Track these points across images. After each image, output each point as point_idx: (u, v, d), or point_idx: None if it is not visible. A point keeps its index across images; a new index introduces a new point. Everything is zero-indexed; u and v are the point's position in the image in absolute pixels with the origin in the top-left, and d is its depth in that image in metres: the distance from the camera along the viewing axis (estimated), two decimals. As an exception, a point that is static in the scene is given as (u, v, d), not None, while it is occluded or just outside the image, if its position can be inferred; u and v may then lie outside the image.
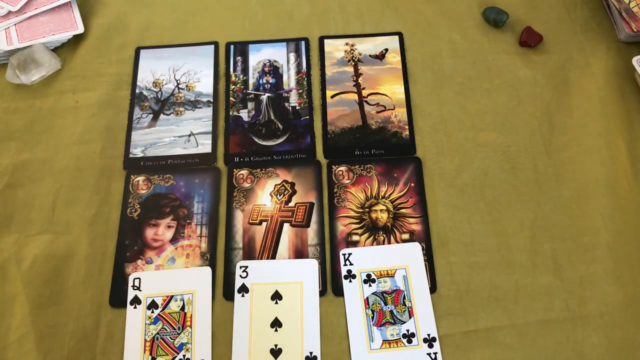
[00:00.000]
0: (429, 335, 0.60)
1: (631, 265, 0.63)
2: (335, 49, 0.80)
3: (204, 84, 0.77)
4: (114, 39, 0.81)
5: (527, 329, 0.60)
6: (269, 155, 0.71)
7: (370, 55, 0.79)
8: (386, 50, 0.79)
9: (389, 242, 0.65)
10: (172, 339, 0.60)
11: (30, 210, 0.68)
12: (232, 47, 0.80)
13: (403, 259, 0.64)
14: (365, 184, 0.69)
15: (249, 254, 0.65)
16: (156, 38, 0.82)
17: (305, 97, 0.76)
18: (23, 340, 0.60)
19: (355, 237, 0.66)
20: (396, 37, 0.80)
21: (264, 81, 0.78)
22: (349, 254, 0.64)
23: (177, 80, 0.78)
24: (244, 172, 0.70)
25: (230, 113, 0.75)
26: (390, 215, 0.67)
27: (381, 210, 0.67)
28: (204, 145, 0.72)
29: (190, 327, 0.61)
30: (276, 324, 0.61)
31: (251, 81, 0.78)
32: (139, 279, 0.63)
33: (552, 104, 0.74)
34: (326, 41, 0.80)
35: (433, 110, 0.74)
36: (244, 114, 0.75)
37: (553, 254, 0.64)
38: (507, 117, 0.73)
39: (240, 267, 0.64)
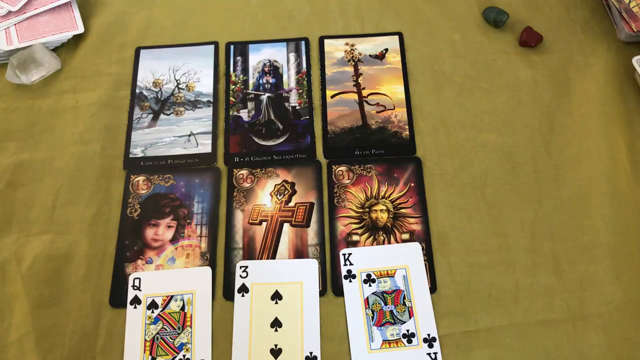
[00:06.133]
0: (429, 335, 0.60)
1: (631, 265, 0.63)
2: (335, 49, 0.80)
3: (204, 84, 0.77)
4: (114, 39, 0.81)
5: (527, 329, 0.60)
6: (269, 155, 0.71)
7: (370, 55, 0.79)
8: (386, 50, 0.79)
9: (389, 242, 0.65)
10: (172, 339, 0.60)
11: (30, 210, 0.68)
12: (232, 47, 0.81)
13: (403, 259, 0.64)
14: (365, 184, 0.69)
15: (249, 254, 0.65)
16: (156, 38, 0.82)
17: (305, 97, 0.76)
18: (23, 340, 0.60)
19: (355, 237, 0.66)
20: (396, 37, 0.80)
21: (264, 81, 0.78)
22: (349, 254, 0.64)
23: (177, 80, 0.78)
24: (244, 172, 0.70)
25: (230, 113, 0.75)
26: (390, 215, 0.67)
27: (381, 210, 0.67)
28: (204, 145, 0.72)
29: (190, 327, 0.61)
30: (276, 324, 0.61)
31: (251, 81, 0.78)
32: (139, 279, 0.63)
33: (552, 104, 0.74)
34: (326, 41, 0.80)
35: (433, 110, 0.74)
36: (244, 114, 0.75)
37: (553, 254, 0.64)
38: (507, 117, 0.73)
39: (240, 267, 0.64)
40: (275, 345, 0.59)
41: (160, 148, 0.72)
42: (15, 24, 0.79)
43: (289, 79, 0.78)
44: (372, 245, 0.65)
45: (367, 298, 0.62)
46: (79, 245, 0.66)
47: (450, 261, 0.64)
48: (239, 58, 0.80)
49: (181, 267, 0.64)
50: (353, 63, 0.78)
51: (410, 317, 0.61)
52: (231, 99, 0.76)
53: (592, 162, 0.69)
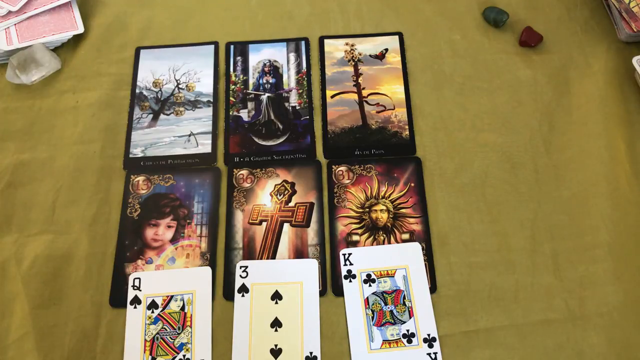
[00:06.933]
0: (429, 335, 0.60)
1: (631, 265, 0.63)
2: (335, 49, 0.80)
3: (204, 84, 0.77)
4: (114, 39, 0.81)
5: (527, 329, 0.60)
6: (269, 155, 0.71)
7: (370, 55, 0.79)
8: (386, 50, 0.79)
9: (389, 242, 0.65)
10: (172, 339, 0.60)
11: (30, 210, 0.68)
12: (232, 47, 0.80)
13: (403, 259, 0.64)
14: (365, 184, 0.69)
15: (249, 254, 0.65)
16: (156, 38, 0.82)
17: (305, 97, 0.76)
18: (23, 340, 0.60)
19: (355, 237, 0.66)
20: (396, 37, 0.80)
21: (264, 81, 0.78)
22: (349, 254, 0.64)
23: (177, 80, 0.78)
24: (244, 172, 0.70)
25: (230, 113, 0.75)
26: (390, 215, 0.67)
27: (381, 210, 0.67)
28: (204, 145, 0.72)
29: (190, 327, 0.61)
30: (276, 324, 0.61)
31: (251, 81, 0.78)
32: (139, 279, 0.63)
33: (552, 104, 0.74)
34: (326, 41, 0.80)
35: (433, 110, 0.74)
36: (244, 114, 0.75)
37: (553, 254, 0.64)
38: (507, 117, 0.73)
39: (240, 267, 0.64)
40: (275, 345, 0.59)
41: (160, 148, 0.72)
42: (15, 24, 0.79)
43: (289, 79, 0.78)
44: (372, 245, 0.65)
45: (367, 298, 0.62)
46: (79, 245, 0.66)
47: (450, 261, 0.64)
48: (239, 58, 0.80)
49: (181, 267, 0.64)
50: (353, 63, 0.78)
51: (410, 317, 0.61)
52: (231, 99, 0.76)
53: (592, 162, 0.69)
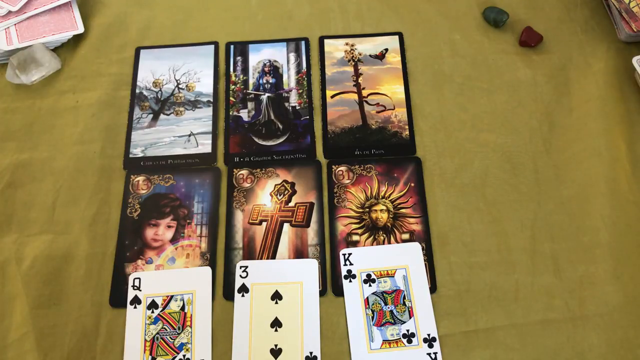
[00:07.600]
0: (429, 335, 0.60)
1: (631, 265, 0.63)
2: (335, 49, 0.80)
3: (204, 84, 0.77)
4: (114, 39, 0.81)
5: (527, 329, 0.60)
6: (269, 155, 0.71)
7: (370, 55, 0.79)
8: (386, 50, 0.79)
9: (389, 242, 0.65)
10: (172, 339, 0.60)
11: (30, 210, 0.68)
12: (232, 47, 0.80)
13: (403, 259, 0.64)
14: (365, 184, 0.69)
15: (249, 254, 0.65)
16: (156, 38, 0.82)
17: (305, 97, 0.76)
18: (23, 340, 0.60)
19: (355, 237, 0.66)
20: (396, 37, 0.80)
21: (264, 81, 0.78)
22: (349, 254, 0.64)
23: (177, 80, 0.78)
24: (244, 172, 0.70)
25: (230, 113, 0.75)
26: (390, 215, 0.67)
27: (381, 210, 0.67)
28: (204, 145, 0.72)
29: (190, 327, 0.61)
30: (276, 324, 0.61)
31: (251, 81, 0.78)
32: (139, 279, 0.63)
33: (552, 104, 0.74)
34: (326, 41, 0.80)
35: (433, 110, 0.74)
36: (244, 114, 0.75)
37: (553, 254, 0.64)
38: (507, 117, 0.73)
39: (240, 267, 0.64)
40: (275, 345, 0.59)
41: (160, 148, 0.72)
42: (15, 24, 0.79)
43: (289, 79, 0.78)
44: (372, 245, 0.65)
45: (367, 298, 0.62)
46: (79, 245, 0.66)
47: (450, 261, 0.64)
48: (239, 58, 0.80)
49: (181, 267, 0.64)
50: (353, 63, 0.78)
51: (410, 317, 0.61)
52: (231, 99, 0.76)
53: (592, 162, 0.69)
